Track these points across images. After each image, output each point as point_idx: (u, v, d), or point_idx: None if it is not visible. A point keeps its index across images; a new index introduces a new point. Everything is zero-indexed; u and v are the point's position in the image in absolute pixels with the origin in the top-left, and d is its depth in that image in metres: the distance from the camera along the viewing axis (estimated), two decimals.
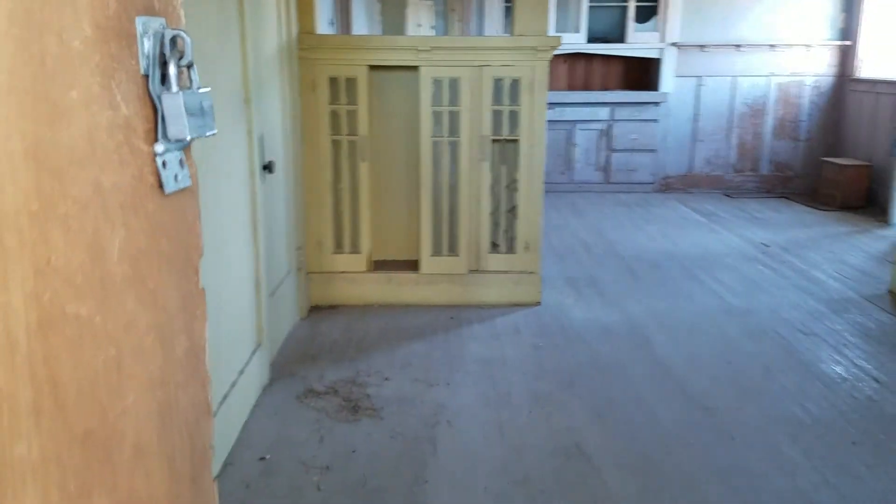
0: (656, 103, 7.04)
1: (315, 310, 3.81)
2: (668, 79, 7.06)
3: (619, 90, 7.33)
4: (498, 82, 3.71)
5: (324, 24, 4.57)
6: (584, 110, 7.01)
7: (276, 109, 3.21)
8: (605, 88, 7.45)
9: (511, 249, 3.89)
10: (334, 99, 3.70)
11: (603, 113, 7.03)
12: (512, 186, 3.86)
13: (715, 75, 7.07)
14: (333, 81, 3.68)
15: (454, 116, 3.73)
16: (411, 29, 8.19)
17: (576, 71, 7.50)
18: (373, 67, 3.73)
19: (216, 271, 2.32)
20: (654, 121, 7.07)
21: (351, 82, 3.68)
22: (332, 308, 3.84)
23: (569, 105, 6.98)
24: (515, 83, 3.70)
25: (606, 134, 7.08)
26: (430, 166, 3.76)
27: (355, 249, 3.86)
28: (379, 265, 3.93)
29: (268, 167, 2.86)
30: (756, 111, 7.13)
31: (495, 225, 3.90)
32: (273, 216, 3.11)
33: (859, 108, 6.80)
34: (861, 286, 4.27)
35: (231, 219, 2.50)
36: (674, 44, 6.98)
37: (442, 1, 10.39)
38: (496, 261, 3.89)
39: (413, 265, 3.90)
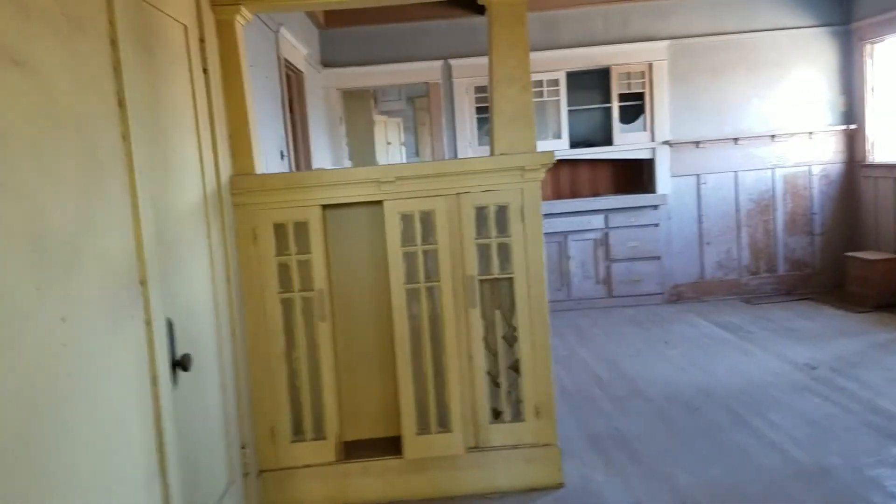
0: (655, 206, 6.41)
1: None
2: (664, 179, 6.46)
3: (611, 195, 6.72)
4: (481, 211, 3.00)
5: (272, 160, 3.91)
6: (576, 219, 6.37)
7: (200, 277, 2.46)
8: (595, 194, 6.84)
9: (518, 416, 3.08)
10: (282, 249, 2.97)
11: (597, 221, 6.38)
12: (511, 336, 3.09)
13: (715, 172, 6.49)
14: (279, 228, 2.96)
15: (431, 256, 3.00)
16: (380, 149, 7.62)
17: (560, 177, 6.91)
18: (328, 206, 3.03)
19: None
20: (654, 225, 6.42)
21: (301, 227, 2.96)
22: None
23: (558, 215, 6.34)
24: (502, 211, 3.00)
25: (603, 243, 6.40)
26: (406, 320, 2.99)
27: (319, 434, 3.02)
28: (351, 449, 3.09)
29: (181, 363, 2.07)
30: (763, 206, 6.51)
31: (494, 386, 3.10)
32: (198, 422, 2.30)
33: (875, 194, 6.19)
34: None
35: (112, 458, 1.69)
36: (666, 142, 6.42)
37: (410, 115, 9.93)
38: (500, 433, 3.06)
39: (395, 445, 3.06)
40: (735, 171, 6.48)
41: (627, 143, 6.47)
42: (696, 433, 3.50)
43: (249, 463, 2.78)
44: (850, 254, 6.10)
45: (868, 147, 6.28)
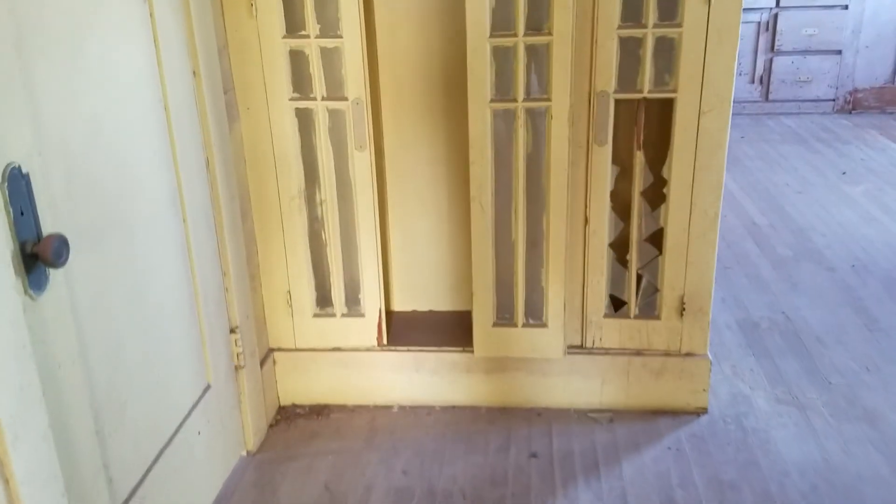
0: None
1: (284, 418, 2.10)
2: None
3: None
4: None
5: None
6: None
7: (119, 69, 1.37)
8: None
9: (651, 312, 2.02)
10: (295, 26, 1.82)
11: None
12: (656, 194, 1.94)
13: None
14: None
15: (539, 55, 1.79)
16: None
17: None
18: None
19: None
20: (843, 7, 4.76)
21: None
22: (315, 413, 2.11)
23: None
24: None
25: (769, 28, 4.83)
26: (490, 156, 1.87)
27: (354, 309, 2.07)
28: (402, 328, 2.15)
29: (40, 255, 1.07)
30: None
31: (620, 265, 2.02)
32: (124, 320, 1.35)
33: None
34: None
35: None
36: None
37: None
38: (621, 331, 2.03)
39: (464, 327, 2.09)
40: None
41: None
42: None
43: (245, 350, 1.88)
44: None
45: None
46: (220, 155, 1.72)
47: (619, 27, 1.77)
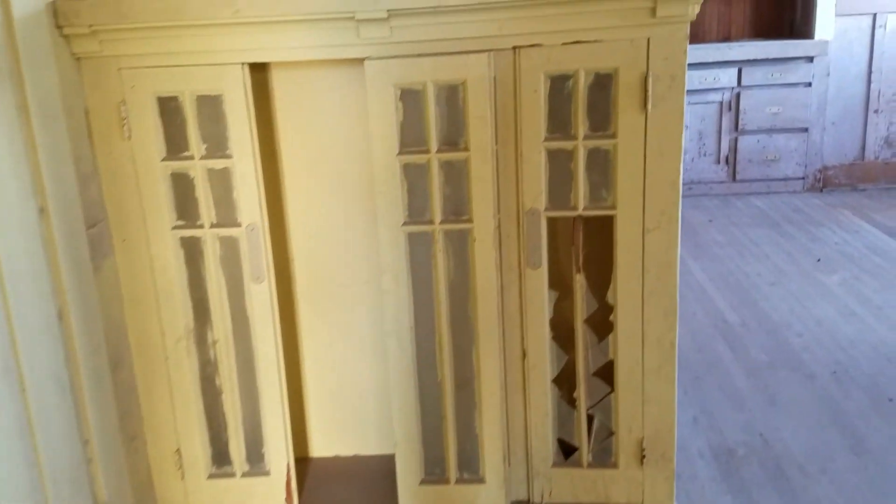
0: (809, 58, 4.61)
1: None
2: (825, 19, 4.61)
3: (748, 39, 4.92)
4: (559, 85, 1.51)
5: None
6: (697, 74, 4.66)
7: None
8: (726, 39, 5.05)
9: (606, 458, 1.73)
10: (176, 147, 1.58)
11: (725, 77, 4.67)
12: (601, 321, 1.69)
13: None
14: (169, 107, 1.56)
15: (457, 172, 1.56)
16: None
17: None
18: (259, 66, 1.61)
19: None
20: (806, 84, 4.66)
21: (210, 105, 1.55)
22: None
23: None
24: (603, 85, 1.49)
25: (731, 108, 4.72)
26: (407, 285, 1.62)
27: (258, 463, 1.77)
28: (318, 479, 1.84)
29: None
30: None
31: (567, 405, 1.74)
32: None
33: None
34: None
35: None
36: None
37: None
38: (573, 482, 1.74)
39: (393, 477, 1.78)
40: None
41: None
42: None
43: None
44: None
45: None
46: (78, 302, 1.44)
47: (546, 139, 1.54)
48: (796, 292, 3.27)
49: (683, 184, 4.81)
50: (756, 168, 4.80)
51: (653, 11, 1.40)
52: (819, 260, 3.63)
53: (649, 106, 1.48)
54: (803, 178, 4.81)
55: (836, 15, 4.60)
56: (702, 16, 5.05)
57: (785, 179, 4.82)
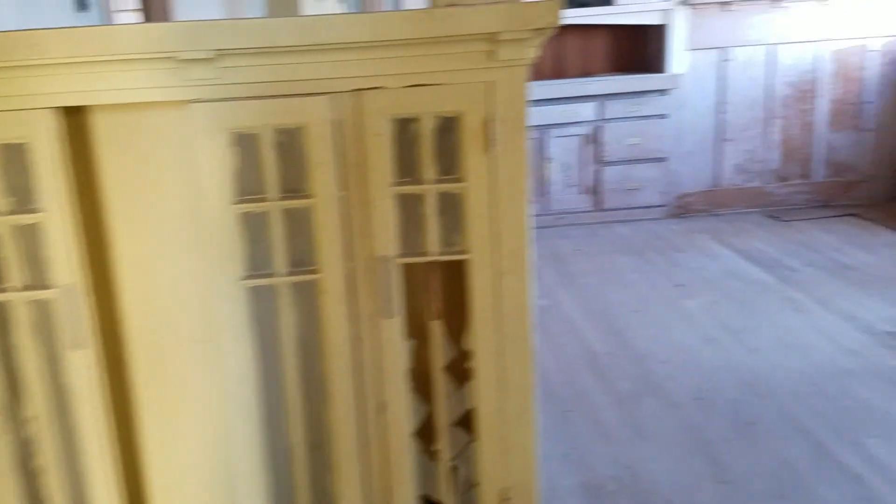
0: (663, 91, 4.84)
1: None
2: (678, 54, 4.86)
3: (607, 74, 5.11)
4: (405, 129, 1.45)
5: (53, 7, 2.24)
6: (559, 109, 4.79)
7: None
8: (586, 74, 5.22)
9: None
10: None
11: (587, 110, 4.82)
12: (460, 368, 1.62)
13: (746, 45, 4.89)
14: None
15: (298, 220, 1.47)
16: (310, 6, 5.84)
17: (541, 51, 5.23)
18: (73, 112, 1.46)
19: None
20: (662, 116, 4.88)
21: (14, 155, 1.39)
22: None
23: (537, 103, 4.75)
24: (448, 128, 1.45)
25: (594, 140, 4.86)
26: (249, 342, 1.49)
27: None
28: None
29: None
30: (804, 93, 4.98)
31: (427, 458, 1.66)
32: None
33: None
34: None
35: None
36: (685, 1, 4.77)
37: None
38: None
39: None
40: (772, 45, 4.89)
41: (635, 2, 4.79)
42: (764, 489, 2.14)
43: None
44: None
45: None
46: None
47: (395, 184, 1.48)
48: (659, 319, 3.36)
49: (552, 214, 4.92)
50: (620, 197, 4.96)
51: (493, 55, 1.36)
52: (681, 286, 3.76)
53: (494, 149, 1.44)
54: (664, 206, 5.02)
55: (688, 49, 4.86)
56: (563, 52, 5.21)
57: (647, 207, 5.01)
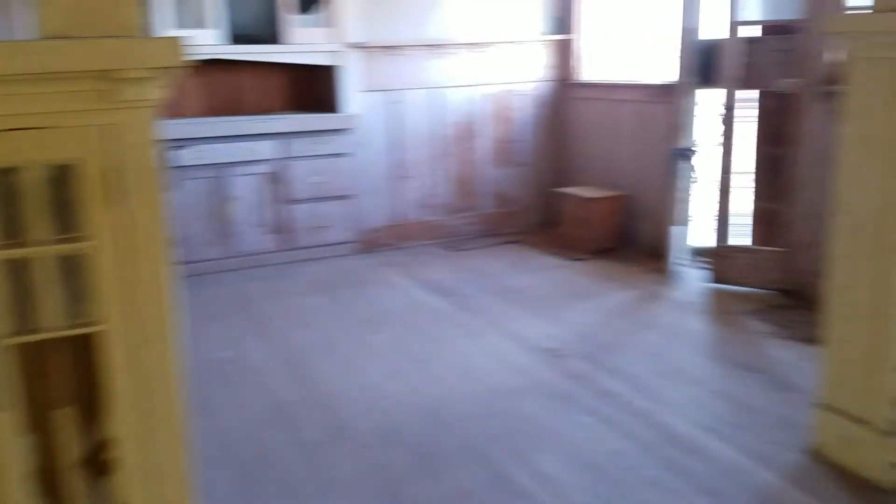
0: (341, 130, 4.91)
1: None
2: (352, 95, 4.97)
3: (286, 113, 5.05)
4: (6, 180, 1.21)
5: None
6: (240, 146, 4.62)
7: None
8: (267, 111, 5.11)
9: None
10: None
11: (267, 148, 4.71)
12: (99, 465, 1.40)
13: (414, 87, 5.17)
14: None
15: None
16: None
17: (216, 85, 5.03)
18: None
19: None
20: (345, 155, 4.95)
21: None
22: None
23: (214, 140, 4.53)
24: (64, 178, 1.24)
25: (278, 179, 4.76)
26: None
27: None
28: None
29: None
30: (468, 133, 5.40)
31: None
32: None
33: (586, 119, 5.43)
34: (749, 439, 2.61)
35: None
36: (354, 45, 4.90)
37: None
38: None
39: None
40: (437, 88, 5.24)
41: (305, 43, 4.80)
42: None
43: None
44: (559, 189, 5.29)
45: (574, 62, 5.48)
46: None
47: (1, 246, 1.22)
48: (347, 358, 3.34)
49: (238, 257, 4.70)
50: (309, 235, 4.92)
51: (109, 95, 1.19)
52: (368, 321, 3.79)
53: (124, 201, 1.26)
54: (354, 242, 5.07)
55: (361, 91, 4.99)
56: (238, 88, 5.06)
57: (337, 244, 5.02)
